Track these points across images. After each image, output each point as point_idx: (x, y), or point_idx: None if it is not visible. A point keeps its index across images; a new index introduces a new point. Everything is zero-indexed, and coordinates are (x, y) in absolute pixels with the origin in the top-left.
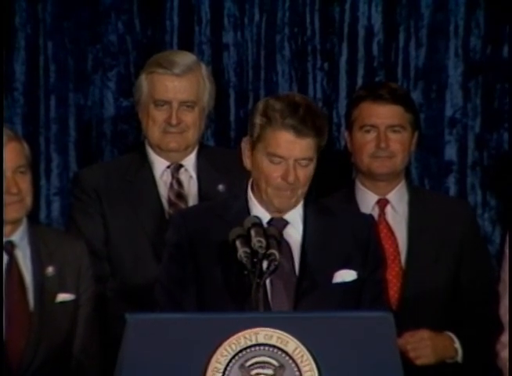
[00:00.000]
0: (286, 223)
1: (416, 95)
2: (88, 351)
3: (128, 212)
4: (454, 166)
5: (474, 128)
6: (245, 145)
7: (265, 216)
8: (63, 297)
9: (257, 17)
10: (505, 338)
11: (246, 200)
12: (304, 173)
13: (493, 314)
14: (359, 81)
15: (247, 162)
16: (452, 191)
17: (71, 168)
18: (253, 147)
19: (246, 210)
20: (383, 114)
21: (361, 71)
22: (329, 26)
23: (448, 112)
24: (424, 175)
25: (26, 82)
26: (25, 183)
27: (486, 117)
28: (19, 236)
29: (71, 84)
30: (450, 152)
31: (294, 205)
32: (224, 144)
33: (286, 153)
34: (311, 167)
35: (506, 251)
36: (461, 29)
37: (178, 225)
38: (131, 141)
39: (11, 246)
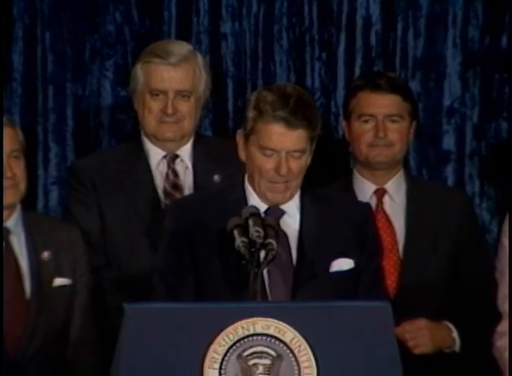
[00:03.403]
0: (282, 213)
1: (414, 85)
2: (85, 338)
3: (124, 202)
4: (452, 156)
5: (473, 117)
6: (239, 137)
7: (261, 206)
8: (60, 281)
9: (255, 7)
10: (501, 327)
11: (244, 190)
12: (297, 165)
13: (491, 303)
14: (357, 71)
15: (242, 154)
16: (450, 181)
17: (69, 158)
18: (246, 140)
19: (244, 199)
20: (381, 104)
21: (359, 61)
22: (327, 16)
23: (447, 102)
24: (422, 164)
25: (24, 72)
26: (19, 168)
27: (484, 106)
28: (13, 223)
29: (69, 74)
30: (448, 141)
31: (289, 198)
32: (222, 134)
33: (278, 145)
34: (305, 158)
35: (502, 238)
36: (459, 19)
37: (174, 214)
38: (128, 130)
39: (6, 232)
